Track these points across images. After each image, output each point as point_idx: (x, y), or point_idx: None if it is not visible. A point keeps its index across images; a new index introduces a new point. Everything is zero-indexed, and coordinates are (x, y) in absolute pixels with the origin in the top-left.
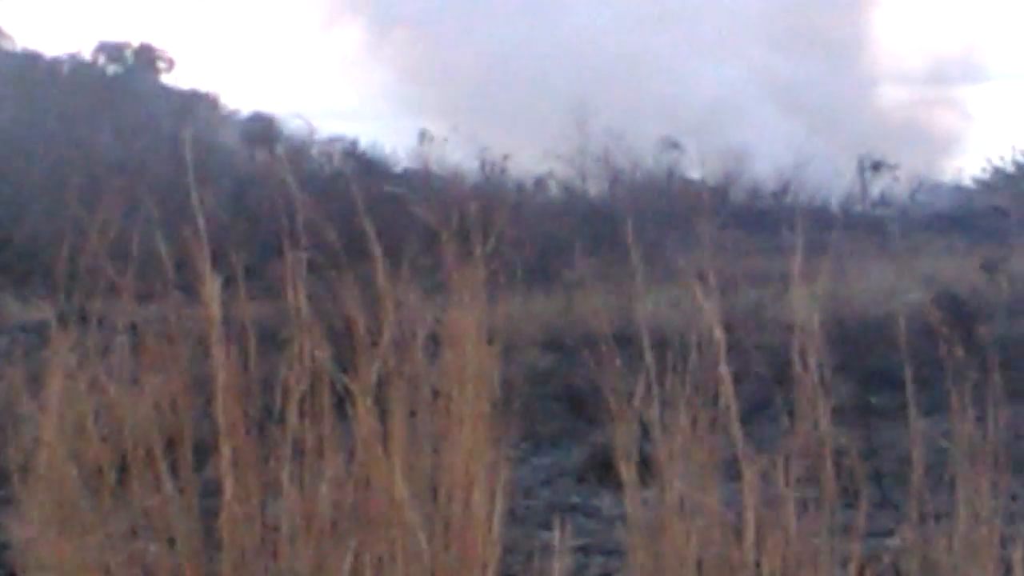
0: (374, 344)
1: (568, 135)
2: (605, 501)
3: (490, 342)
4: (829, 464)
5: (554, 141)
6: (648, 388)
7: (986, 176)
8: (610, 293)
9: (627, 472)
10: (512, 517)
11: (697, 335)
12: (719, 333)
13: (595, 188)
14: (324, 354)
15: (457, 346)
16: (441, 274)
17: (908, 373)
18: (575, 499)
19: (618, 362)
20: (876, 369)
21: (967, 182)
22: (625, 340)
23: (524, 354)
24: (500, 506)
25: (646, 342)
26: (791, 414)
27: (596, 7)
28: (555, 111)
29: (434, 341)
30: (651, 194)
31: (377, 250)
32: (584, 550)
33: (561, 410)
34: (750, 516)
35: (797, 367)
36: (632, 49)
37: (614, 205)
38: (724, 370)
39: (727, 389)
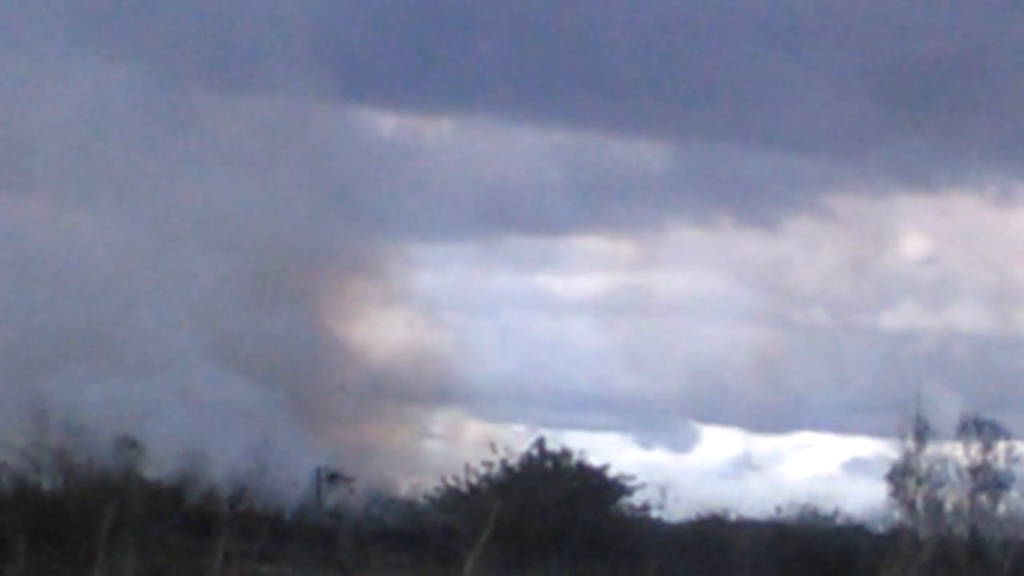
0: None
1: (25, 427)
2: None
3: None
4: None
5: (10, 432)
6: None
7: (439, 495)
8: None
9: None
10: None
11: None
12: None
13: (49, 482)
14: None
15: None
16: None
17: None
18: None
19: None
20: None
21: (420, 499)
22: None
23: None
24: None
25: None
26: None
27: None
28: (13, 402)
29: None
30: (106, 492)
31: None
32: None
33: None
34: None
35: None
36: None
37: (67, 501)
38: None
39: None
